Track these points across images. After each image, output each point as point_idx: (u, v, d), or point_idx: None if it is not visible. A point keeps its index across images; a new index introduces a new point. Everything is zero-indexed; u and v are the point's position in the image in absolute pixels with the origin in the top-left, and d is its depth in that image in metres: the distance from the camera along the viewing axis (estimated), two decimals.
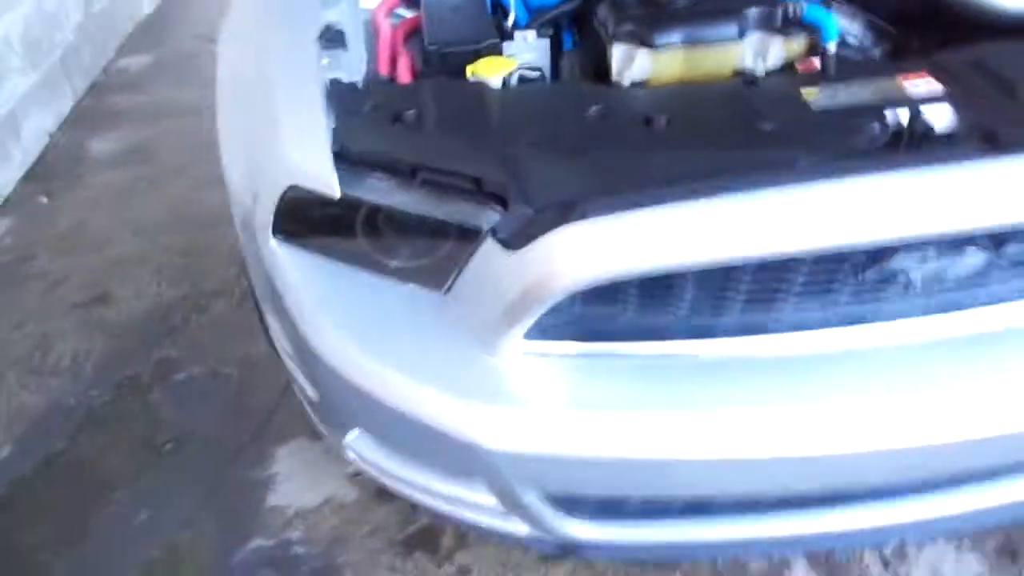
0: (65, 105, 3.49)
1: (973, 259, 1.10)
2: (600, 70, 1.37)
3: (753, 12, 1.30)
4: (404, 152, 1.18)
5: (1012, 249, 1.10)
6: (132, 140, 3.26)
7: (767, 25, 1.30)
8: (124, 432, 2.03)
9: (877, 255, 1.08)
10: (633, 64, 1.29)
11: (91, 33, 3.75)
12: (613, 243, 1.01)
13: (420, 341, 1.22)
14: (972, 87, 1.17)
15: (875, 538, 1.47)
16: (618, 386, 1.15)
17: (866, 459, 1.14)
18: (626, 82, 1.31)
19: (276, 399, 2.06)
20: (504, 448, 1.13)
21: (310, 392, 1.43)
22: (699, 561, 1.59)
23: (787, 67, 1.34)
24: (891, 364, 1.16)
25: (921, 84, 1.19)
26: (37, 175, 3.09)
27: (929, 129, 1.09)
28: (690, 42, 1.29)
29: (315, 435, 1.96)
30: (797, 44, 1.34)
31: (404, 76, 1.43)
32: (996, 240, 1.09)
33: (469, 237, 1.16)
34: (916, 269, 1.10)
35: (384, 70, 1.48)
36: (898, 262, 1.09)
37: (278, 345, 1.51)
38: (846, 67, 1.32)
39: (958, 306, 1.17)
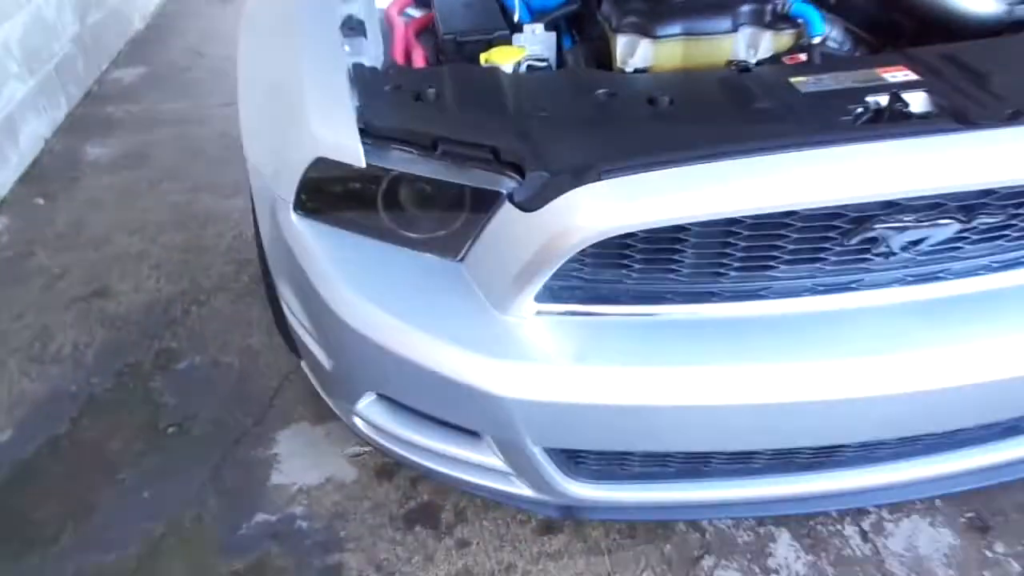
0: (60, 112, 3.54)
1: (948, 228, 1.20)
2: (603, 60, 1.47)
3: (745, 8, 1.42)
4: (425, 126, 1.27)
5: (981, 220, 1.21)
6: (126, 146, 3.31)
7: (758, 20, 1.43)
8: (126, 417, 2.07)
9: (859, 222, 1.18)
10: (636, 53, 1.40)
11: (86, 44, 3.81)
12: (625, 200, 1.10)
13: (437, 303, 1.30)
14: (945, 76, 1.29)
15: (854, 500, 1.56)
16: (618, 344, 1.25)
17: (842, 410, 1.24)
18: (629, 69, 1.41)
19: (277, 386, 2.12)
20: (515, 396, 1.21)
21: (325, 361, 1.49)
22: (692, 521, 1.67)
23: (776, 59, 1.46)
24: (870, 325, 1.26)
25: (899, 74, 1.31)
26: (33, 178, 3.13)
27: (907, 109, 1.21)
28: (688, 34, 1.41)
29: (317, 419, 2.03)
30: (786, 38, 1.46)
31: (419, 65, 1.53)
32: (967, 211, 1.20)
33: (483, 207, 1.25)
34: (894, 236, 1.20)
35: (399, 60, 1.57)
36: (879, 231, 1.20)
37: (292, 321, 1.58)
38: (830, 60, 1.44)
39: (933, 273, 1.28)
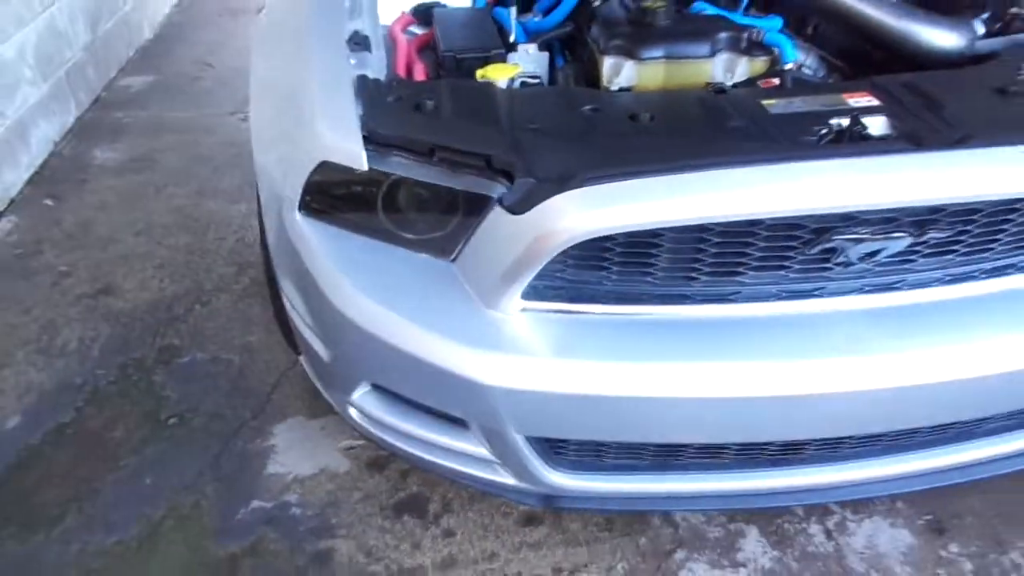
0: (69, 117, 3.64)
1: (901, 241, 1.31)
2: (591, 79, 1.59)
3: (722, 35, 1.54)
4: (423, 135, 1.37)
5: (933, 234, 1.32)
6: (134, 151, 3.42)
7: (734, 47, 1.54)
8: (129, 408, 2.16)
9: (819, 232, 1.29)
10: (621, 73, 1.52)
11: (97, 52, 3.93)
12: (603, 205, 1.21)
13: (430, 299, 1.41)
14: (904, 103, 1.40)
15: (816, 496, 1.66)
16: (597, 340, 1.35)
17: (802, 407, 1.34)
18: (614, 88, 1.53)
19: (275, 382, 2.22)
20: (499, 384, 1.31)
21: (324, 353, 1.59)
22: (666, 516, 1.76)
23: (751, 82, 1.57)
24: (831, 330, 1.37)
25: (862, 99, 1.42)
26: (43, 180, 3.23)
27: (866, 131, 1.32)
28: (669, 57, 1.53)
29: (313, 414, 2.12)
30: (760, 64, 1.57)
31: (419, 78, 1.64)
32: (920, 225, 1.31)
33: (476, 211, 1.36)
34: (852, 247, 1.31)
35: (401, 74, 1.68)
36: (837, 241, 1.30)
37: (293, 316, 1.68)
38: (800, 85, 1.55)
39: (890, 284, 1.39)
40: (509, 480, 1.56)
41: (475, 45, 1.61)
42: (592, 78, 1.59)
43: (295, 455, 2.01)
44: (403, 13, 1.84)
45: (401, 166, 1.39)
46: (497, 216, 1.30)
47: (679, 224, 1.24)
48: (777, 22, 1.75)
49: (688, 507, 1.73)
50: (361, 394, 1.58)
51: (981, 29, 1.67)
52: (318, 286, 1.46)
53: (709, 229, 1.28)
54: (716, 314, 1.38)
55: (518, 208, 1.26)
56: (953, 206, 1.29)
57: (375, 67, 1.57)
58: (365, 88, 1.48)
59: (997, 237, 1.37)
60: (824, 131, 1.32)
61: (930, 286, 1.40)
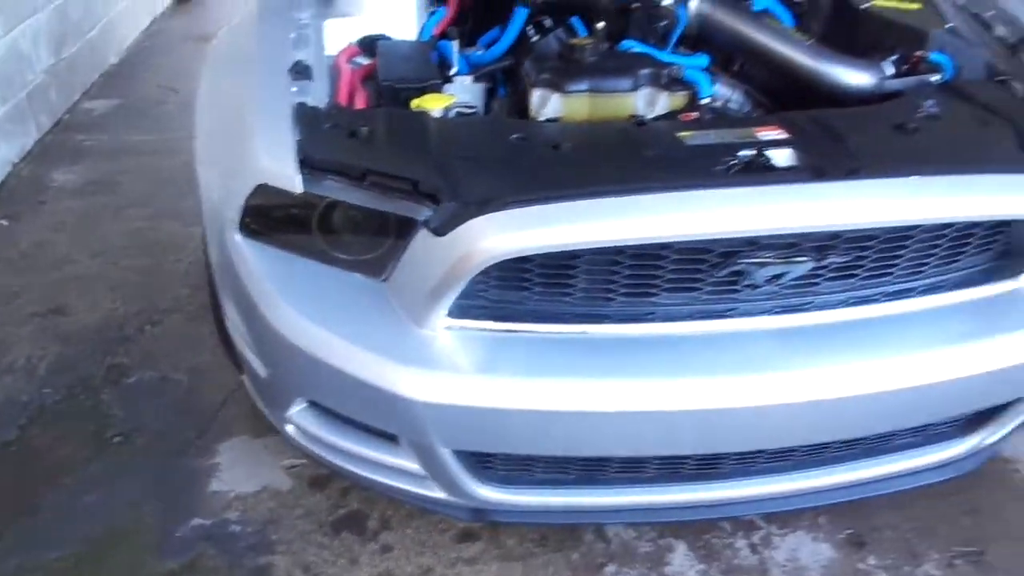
0: (29, 139, 3.67)
1: (802, 265, 1.40)
2: (523, 111, 1.67)
3: (644, 71, 1.63)
4: (356, 159, 1.44)
5: (833, 258, 1.41)
6: (94, 174, 3.45)
7: (655, 82, 1.64)
8: (74, 426, 2.18)
9: (726, 256, 1.37)
10: (548, 105, 1.60)
11: (60, 75, 3.96)
12: (521, 227, 1.28)
13: (361, 317, 1.47)
14: (810, 136, 1.50)
15: (735, 510, 1.73)
16: (519, 357, 1.42)
17: (715, 421, 1.41)
18: (542, 119, 1.61)
19: (222, 401, 2.25)
20: (424, 399, 1.37)
21: (261, 370, 1.64)
22: (599, 531, 1.82)
23: (673, 115, 1.66)
24: (742, 348, 1.44)
25: (772, 133, 1.51)
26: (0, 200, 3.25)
27: (770, 162, 1.40)
28: (594, 90, 1.62)
29: (257, 433, 2.15)
30: (679, 98, 1.67)
31: (360, 107, 1.71)
32: (820, 250, 1.40)
33: (405, 233, 1.42)
34: (757, 271, 1.39)
35: (343, 102, 1.75)
36: (743, 265, 1.39)
37: (233, 333, 1.73)
38: (717, 119, 1.64)
39: (797, 305, 1.47)
40: (441, 495, 1.61)
41: (412, 76, 1.68)
42: (524, 109, 1.67)
43: (238, 473, 2.05)
44: (350, 44, 1.91)
45: (335, 189, 1.46)
46: (423, 238, 1.37)
47: (591, 246, 1.31)
48: (703, 60, 1.85)
49: (616, 520, 1.78)
50: (298, 411, 1.63)
51: (890, 70, 1.78)
52: (254, 304, 1.51)
53: (622, 252, 1.35)
54: (634, 332, 1.45)
55: (441, 230, 1.33)
56: (849, 232, 1.38)
57: (316, 95, 1.63)
58: (304, 115, 1.54)
59: (895, 262, 1.46)
60: (732, 161, 1.41)
61: (836, 308, 1.49)
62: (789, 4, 2.04)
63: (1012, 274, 1.55)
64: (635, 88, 1.62)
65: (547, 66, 1.66)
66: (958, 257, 1.51)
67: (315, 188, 1.45)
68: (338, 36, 1.92)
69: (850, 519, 1.90)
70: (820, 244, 1.39)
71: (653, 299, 1.43)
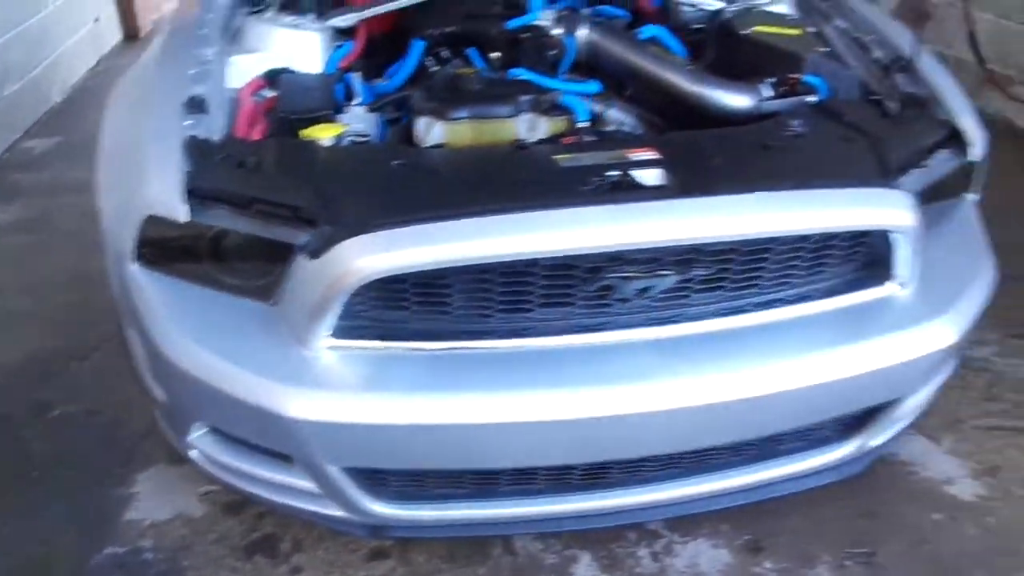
0: None
1: (667, 279, 1.47)
2: (411, 138, 1.74)
3: (523, 98, 1.71)
4: (243, 188, 1.50)
5: (697, 271, 1.48)
6: (28, 211, 3.47)
7: (535, 108, 1.72)
8: None
9: (592, 271, 1.43)
10: (432, 132, 1.67)
11: None
12: (388, 248, 1.34)
13: (250, 341, 1.51)
14: (680, 156, 1.58)
15: (637, 516, 1.80)
16: (401, 374, 1.47)
17: (594, 431, 1.47)
18: (426, 146, 1.68)
19: (144, 432, 2.26)
20: (307, 417, 1.41)
21: (160, 395, 1.67)
22: (507, 544, 1.86)
23: (555, 139, 1.73)
24: (617, 359, 1.50)
25: (644, 154, 1.59)
26: None
27: (635, 181, 1.48)
28: (475, 117, 1.69)
29: (174, 460, 2.17)
30: (560, 123, 1.75)
31: (256, 138, 1.77)
32: (683, 264, 1.47)
33: (288, 258, 1.48)
34: (625, 285, 1.46)
35: (242, 134, 1.81)
36: (610, 280, 1.45)
37: (136, 361, 1.76)
38: (595, 142, 1.72)
39: (670, 317, 1.54)
40: (339, 512, 1.65)
41: (306, 107, 1.75)
42: (412, 136, 1.73)
43: (154, 502, 2.07)
44: (255, 78, 1.97)
45: (224, 218, 1.51)
46: (301, 262, 1.43)
47: (459, 264, 1.38)
48: (594, 87, 1.94)
49: (517, 531, 1.83)
50: (198, 435, 1.67)
51: (768, 92, 1.87)
52: (147, 331, 1.56)
53: (492, 270, 1.41)
54: (513, 347, 1.51)
55: (315, 253, 1.39)
56: (708, 246, 1.46)
57: (210, 128, 1.69)
58: (195, 147, 1.60)
59: (758, 274, 1.53)
60: (600, 181, 1.48)
61: (707, 318, 1.56)
62: (678, 32, 2.14)
63: (878, 282, 1.63)
64: (516, 114, 1.70)
65: (432, 95, 1.73)
66: (822, 268, 1.58)
67: (204, 218, 1.50)
68: (245, 71, 1.99)
69: (750, 526, 1.95)
70: (681, 258, 1.46)
71: (529, 315, 1.49)
